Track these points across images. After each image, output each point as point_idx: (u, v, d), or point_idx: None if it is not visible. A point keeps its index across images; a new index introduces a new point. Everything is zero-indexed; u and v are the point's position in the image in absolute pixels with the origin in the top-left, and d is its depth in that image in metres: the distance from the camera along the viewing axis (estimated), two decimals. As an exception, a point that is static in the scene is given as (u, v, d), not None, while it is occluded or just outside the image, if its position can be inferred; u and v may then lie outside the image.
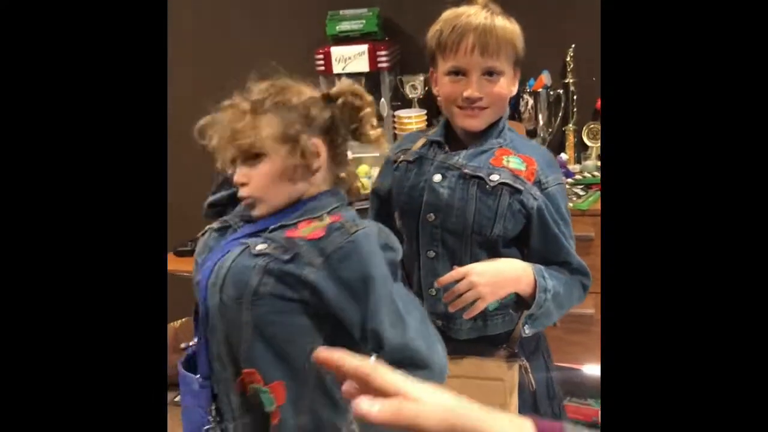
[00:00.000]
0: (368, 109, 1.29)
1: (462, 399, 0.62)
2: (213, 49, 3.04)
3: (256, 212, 1.26)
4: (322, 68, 2.62)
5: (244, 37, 2.93)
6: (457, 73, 1.41)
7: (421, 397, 0.61)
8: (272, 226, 1.24)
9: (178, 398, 3.17)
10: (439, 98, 1.50)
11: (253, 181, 1.23)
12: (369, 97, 1.30)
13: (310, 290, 1.17)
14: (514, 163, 1.43)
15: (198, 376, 1.25)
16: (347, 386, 0.64)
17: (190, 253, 2.90)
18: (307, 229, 1.22)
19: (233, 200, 1.42)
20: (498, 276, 1.38)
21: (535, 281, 1.39)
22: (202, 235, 1.34)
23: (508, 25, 1.40)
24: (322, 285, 1.16)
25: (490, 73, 1.40)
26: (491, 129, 1.46)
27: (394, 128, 2.69)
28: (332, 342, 1.19)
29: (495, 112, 1.45)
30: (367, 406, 0.60)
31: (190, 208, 3.20)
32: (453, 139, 1.50)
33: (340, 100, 1.27)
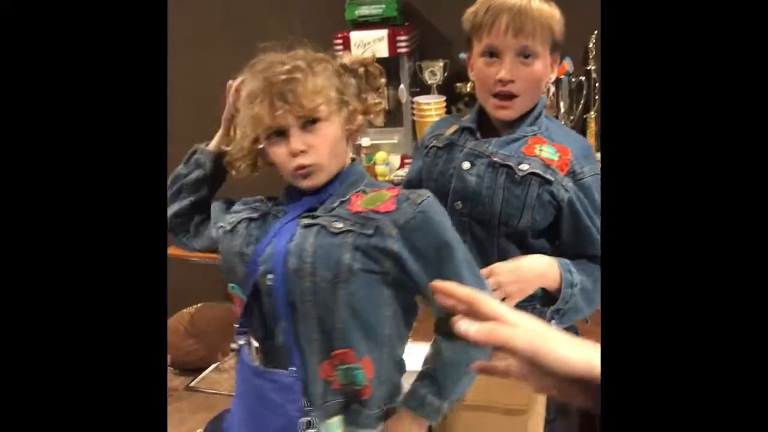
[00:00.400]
0: (383, 80, 1.32)
1: (550, 327, 0.71)
2: (228, 34, 3.02)
3: (312, 182, 1.24)
4: (341, 53, 2.59)
5: (261, 21, 2.90)
6: (492, 54, 1.38)
7: (515, 321, 0.71)
8: (334, 204, 1.24)
9: (193, 383, 3.18)
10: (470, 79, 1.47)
11: (316, 148, 1.21)
12: (381, 68, 1.33)
13: (393, 260, 1.19)
14: (546, 152, 1.39)
15: (293, 368, 1.23)
16: (456, 318, 0.73)
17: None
18: (364, 203, 1.23)
19: (197, 209, 1.41)
20: (523, 273, 1.36)
21: (561, 276, 1.36)
22: (231, 230, 1.31)
23: (545, 8, 1.36)
24: (404, 255, 1.18)
25: (525, 55, 1.36)
26: (526, 116, 1.43)
27: (413, 114, 2.66)
28: (405, 307, 1.25)
29: (529, 98, 1.41)
30: (466, 326, 0.71)
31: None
32: (485, 125, 1.46)
33: (360, 70, 1.29)
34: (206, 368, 3.19)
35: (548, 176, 1.36)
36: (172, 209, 1.43)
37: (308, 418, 1.22)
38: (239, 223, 1.31)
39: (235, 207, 1.37)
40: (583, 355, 0.67)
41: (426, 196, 1.23)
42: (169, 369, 3.10)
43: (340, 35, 2.60)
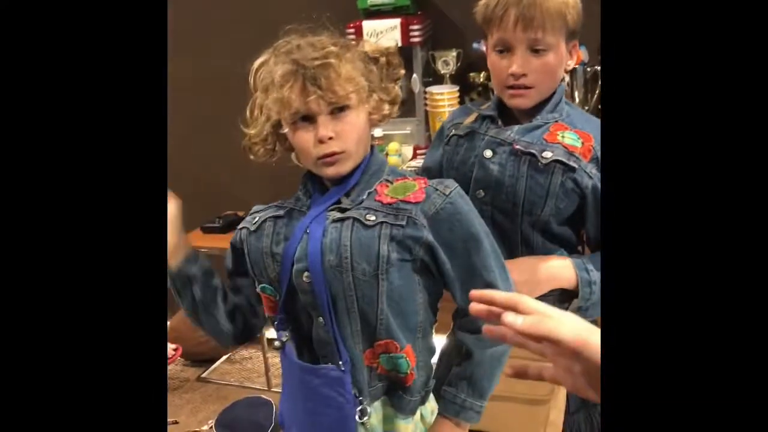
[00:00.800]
0: (402, 70, 1.30)
1: (592, 324, 0.74)
2: (238, 23, 3.00)
3: (337, 170, 1.22)
4: (361, 41, 2.57)
5: (271, 10, 2.88)
6: (503, 47, 1.37)
7: (558, 317, 0.74)
8: (362, 197, 1.23)
9: (204, 374, 3.18)
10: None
11: (344, 135, 1.20)
12: (401, 58, 1.31)
13: (425, 249, 1.20)
14: (569, 138, 1.36)
15: (341, 362, 1.23)
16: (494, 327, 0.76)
17: (218, 229, 2.90)
18: (391, 192, 1.23)
19: (229, 296, 1.36)
20: (535, 275, 1.35)
21: (578, 277, 1.35)
22: (256, 230, 1.29)
23: None
24: (435, 245, 1.19)
25: (536, 48, 1.34)
26: (545, 103, 1.40)
27: (426, 105, 2.64)
28: (432, 293, 1.26)
29: (544, 88, 1.39)
30: (512, 318, 0.74)
31: (218, 185, 3.21)
32: (506, 113, 1.44)
33: (382, 59, 1.26)
34: (217, 359, 3.19)
35: (572, 163, 1.34)
36: (221, 324, 1.33)
37: (362, 407, 1.24)
38: (264, 222, 1.29)
39: (254, 209, 1.35)
40: None
41: (453, 186, 1.23)
42: (181, 360, 3.11)
43: (352, 24, 2.58)
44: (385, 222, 1.19)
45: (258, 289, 1.32)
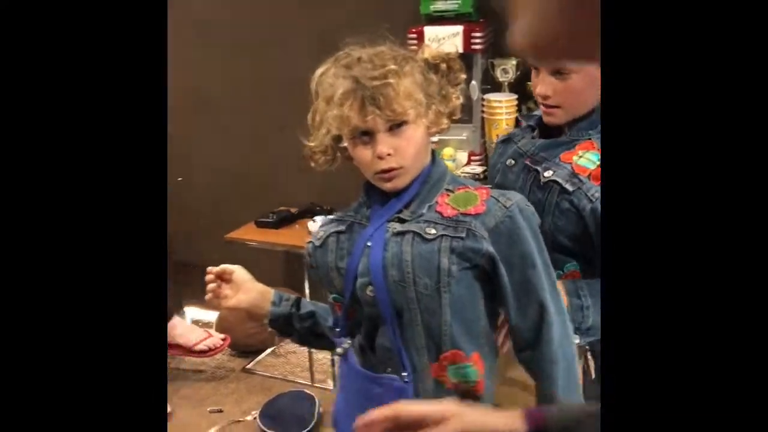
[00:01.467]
0: (464, 76, 1.30)
1: (468, 405, 0.83)
2: (299, 25, 3.04)
3: (395, 184, 1.24)
4: (415, 48, 2.58)
5: (333, 13, 2.91)
6: (534, 68, 1.43)
7: (439, 416, 0.81)
8: (422, 210, 1.24)
9: (249, 365, 3.22)
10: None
11: (402, 151, 1.21)
12: (462, 64, 1.31)
13: (486, 259, 1.20)
14: (585, 159, 1.39)
15: (405, 373, 1.24)
16: None
17: (271, 224, 2.95)
18: (452, 202, 1.24)
19: (297, 309, 1.42)
20: None
21: (569, 302, 1.36)
22: (321, 245, 1.32)
23: None
24: (496, 257, 1.20)
25: (559, 72, 1.38)
26: (582, 119, 1.42)
27: (483, 112, 2.64)
28: (492, 299, 1.26)
29: (574, 108, 1.42)
30: None
31: (274, 181, 3.25)
32: (547, 125, 1.48)
33: (443, 65, 1.27)
34: (263, 351, 3.24)
35: (568, 186, 1.37)
36: (275, 311, 1.42)
37: None
38: (328, 237, 1.32)
39: (322, 221, 1.40)
40: (502, 420, 0.80)
41: (514, 199, 1.23)
42: (227, 350, 3.17)
43: (414, 29, 2.59)
44: (445, 235, 1.20)
45: (330, 299, 1.35)
